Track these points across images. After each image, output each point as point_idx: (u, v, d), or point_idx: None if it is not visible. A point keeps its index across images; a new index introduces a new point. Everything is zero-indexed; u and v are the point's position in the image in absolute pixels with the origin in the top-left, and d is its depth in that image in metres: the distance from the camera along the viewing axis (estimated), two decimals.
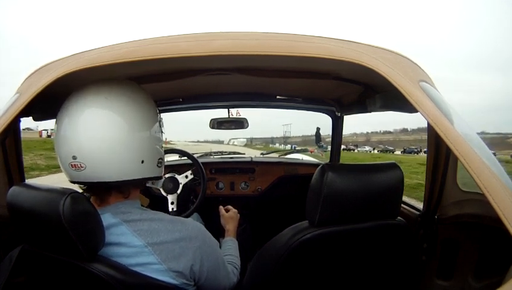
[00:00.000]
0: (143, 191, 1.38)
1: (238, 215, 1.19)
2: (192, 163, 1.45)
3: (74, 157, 0.61)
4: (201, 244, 0.67)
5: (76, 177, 0.64)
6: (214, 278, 0.71)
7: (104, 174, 0.63)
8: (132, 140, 0.64)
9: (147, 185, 1.31)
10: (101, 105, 0.63)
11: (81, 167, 0.62)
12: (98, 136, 0.61)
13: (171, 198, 1.32)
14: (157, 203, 1.27)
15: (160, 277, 0.62)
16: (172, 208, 1.31)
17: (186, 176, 1.35)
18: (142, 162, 0.66)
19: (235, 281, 0.80)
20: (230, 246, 0.96)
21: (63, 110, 0.64)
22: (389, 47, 0.68)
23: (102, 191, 0.66)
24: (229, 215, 1.14)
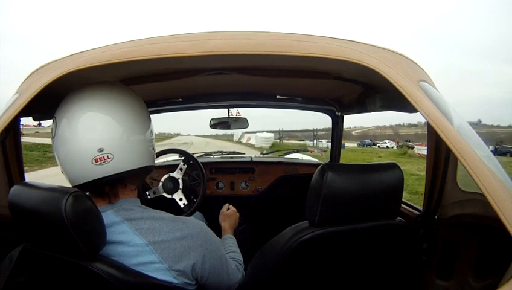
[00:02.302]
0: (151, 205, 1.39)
1: (238, 214, 1.19)
2: (182, 156, 1.44)
3: (101, 150, 0.62)
4: (203, 243, 0.67)
5: (99, 173, 0.63)
6: (217, 275, 0.71)
7: (128, 162, 0.65)
8: (145, 126, 0.70)
9: (149, 197, 1.31)
10: (121, 97, 0.67)
11: (108, 158, 0.63)
12: (122, 124, 0.64)
13: (177, 196, 1.32)
14: (168, 209, 1.28)
15: (162, 276, 0.62)
16: (184, 203, 1.32)
17: (181, 169, 1.35)
18: (152, 148, 0.72)
19: (239, 277, 0.80)
20: (231, 243, 0.97)
21: (71, 110, 0.63)
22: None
23: (117, 184, 0.66)
24: (226, 213, 1.15)
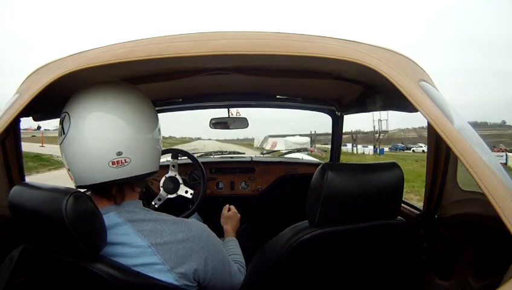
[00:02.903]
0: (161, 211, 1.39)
1: (238, 215, 1.19)
2: (173, 153, 1.43)
3: (119, 154, 0.62)
4: (205, 245, 0.67)
5: (113, 175, 0.63)
6: (219, 277, 0.71)
7: (143, 166, 0.66)
8: (156, 127, 0.70)
9: (156, 206, 1.32)
10: (135, 100, 0.67)
11: (125, 162, 0.63)
12: (140, 128, 0.65)
13: (181, 191, 1.32)
14: (178, 207, 1.27)
15: (163, 278, 0.62)
16: (191, 194, 1.31)
17: (173, 165, 1.35)
18: (160, 148, 0.73)
19: (241, 279, 0.80)
20: (233, 246, 0.97)
21: (89, 109, 0.63)
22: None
23: (125, 186, 0.66)
24: (228, 215, 1.15)
